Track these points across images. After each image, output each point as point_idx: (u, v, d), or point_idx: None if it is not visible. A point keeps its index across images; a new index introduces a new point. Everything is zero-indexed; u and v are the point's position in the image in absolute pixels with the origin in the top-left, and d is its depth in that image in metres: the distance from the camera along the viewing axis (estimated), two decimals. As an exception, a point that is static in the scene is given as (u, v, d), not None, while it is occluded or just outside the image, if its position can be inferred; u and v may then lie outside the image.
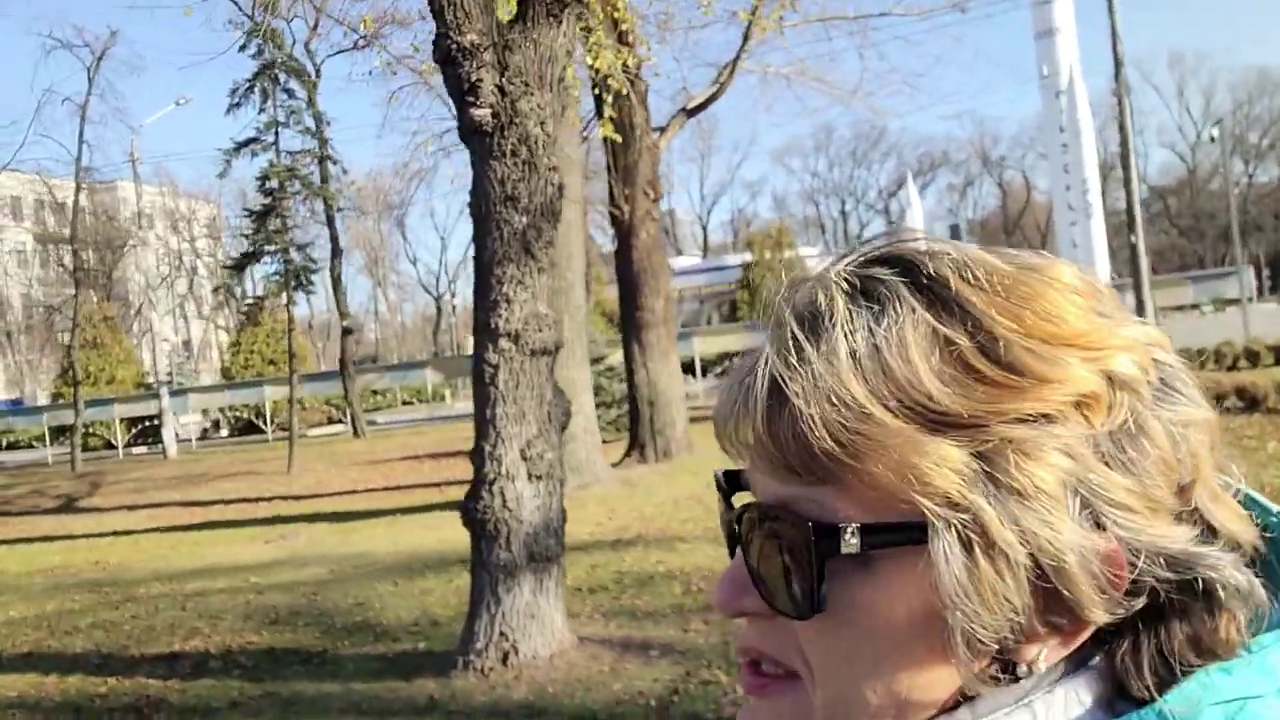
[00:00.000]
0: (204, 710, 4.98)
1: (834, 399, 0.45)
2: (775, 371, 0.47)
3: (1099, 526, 0.45)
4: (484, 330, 4.89)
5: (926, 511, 0.45)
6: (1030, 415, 0.45)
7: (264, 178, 19.37)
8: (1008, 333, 0.45)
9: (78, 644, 6.63)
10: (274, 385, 29.80)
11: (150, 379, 37.52)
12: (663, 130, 13.57)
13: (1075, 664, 0.49)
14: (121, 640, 6.58)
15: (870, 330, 0.46)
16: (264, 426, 29.27)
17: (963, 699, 0.48)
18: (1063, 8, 17.48)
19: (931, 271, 0.47)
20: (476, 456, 4.94)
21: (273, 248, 19.21)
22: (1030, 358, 0.45)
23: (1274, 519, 0.51)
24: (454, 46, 4.80)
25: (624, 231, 13.02)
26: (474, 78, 4.80)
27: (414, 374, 30.77)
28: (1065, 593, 0.45)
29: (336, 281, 26.04)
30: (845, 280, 0.48)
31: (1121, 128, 17.80)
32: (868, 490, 0.46)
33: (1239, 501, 0.51)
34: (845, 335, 0.46)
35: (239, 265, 19.95)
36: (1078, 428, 0.45)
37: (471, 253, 5.24)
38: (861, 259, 0.50)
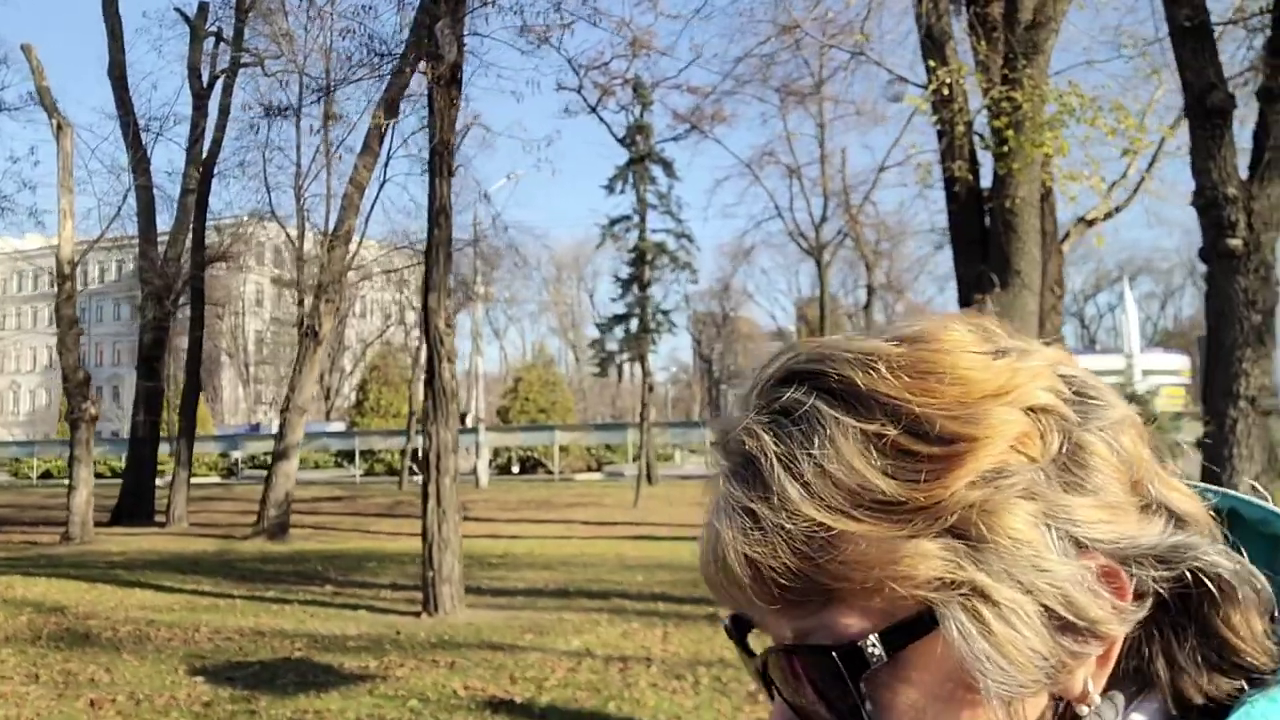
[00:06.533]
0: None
1: (801, 538, 0.47)
2: (738, 546, 0.48)
3: (1081, 549, 0.48)
4: (1225, 394, 6.96)
5: (927, 600, 0.46)
6: (976, 476, 0.46)
7: (637, 251, 22.36)
8: (926, 409, 0.47)
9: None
10: (564, 430, 33.07)
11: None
12: (1066, 236, 15.60)
13: (1131, 691, 0.51)
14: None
15: (808, 454, 0.47)
16: (551, 467, 32.46)
17: None
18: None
19: (839, 376, 0.49)
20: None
21: (640, 311, 22.09)
22: (956, 424, 0.47)
23: (1259, 508, 0.55)
24: (1219, 195, 6.98)
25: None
26: (1232, 218, 6.96)
27: (693, 432, 33.40)
28: (1080, 622, 0.47)
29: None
30: (764, 415, 0.50)
31: None
32: (868, 598, 0.47)
33: (1263, 517, 0.55)
34: (786, 470, 0.47)
35: (612, 324, 22.99)
36: (1025, 468, 0.47)
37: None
38: (768, 385, 0.51)
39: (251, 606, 9.19)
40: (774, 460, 0.48)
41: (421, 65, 9.55)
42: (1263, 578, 0.51)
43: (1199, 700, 0.50)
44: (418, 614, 8.54)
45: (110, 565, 12.40)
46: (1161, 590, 0.49)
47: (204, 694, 5.83)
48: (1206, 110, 7.05)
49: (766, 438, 0.49)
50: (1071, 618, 0.47)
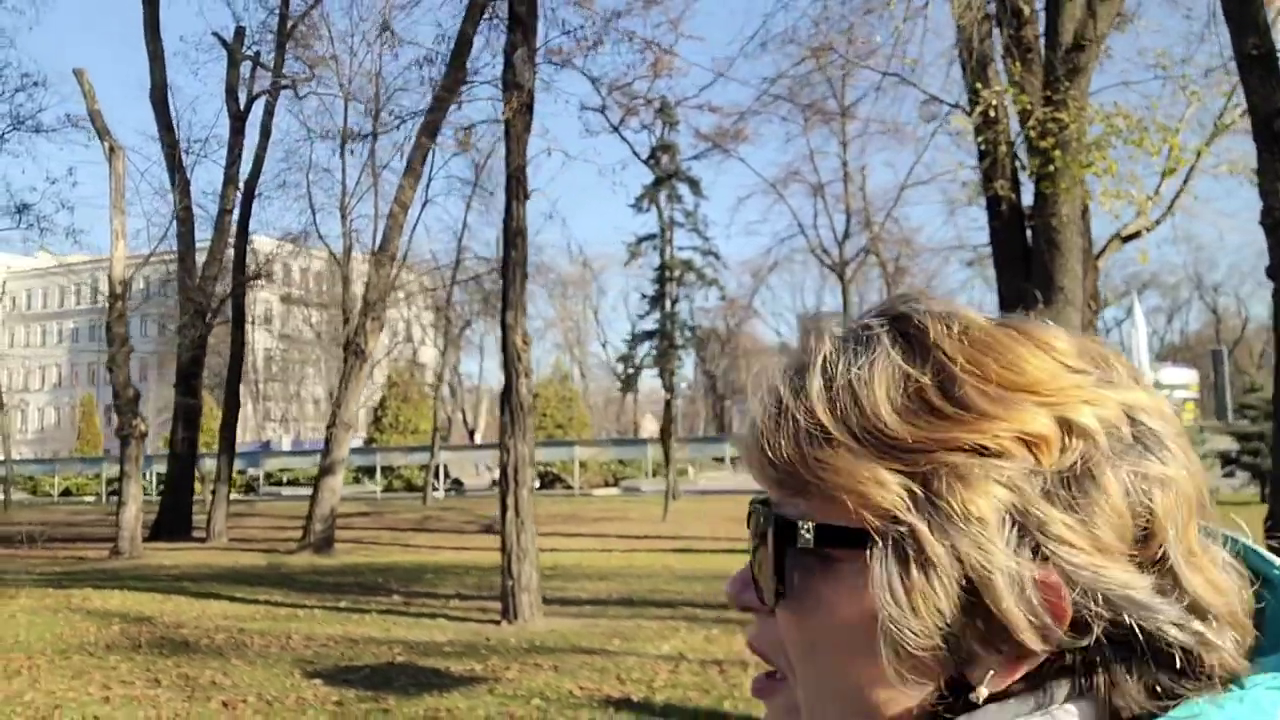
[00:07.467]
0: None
1: (803, 432, 0.53)
2: (757, 416, 0.56)
3: (1041, 557, 0.48)
4: (1294, 404, 7.21)
5: (867, 524, 0.50)
6: (969, 446, 0.49)
7: (663, 268, 22.67)
8: (967, 375, 0.51)
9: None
10: (583, 446, 33.32)
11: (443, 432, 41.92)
12: (1102, 251, 15.90)
13: (1051, 695, 0.50)
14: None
15: (846, 370, 0.53)
16: (571, 482, 32.69)
17: None
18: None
19: (919, 322, 0.54)
20: (1281, 493, 7.22)
21: (667, 327, 22.37)
22: (981, 397, 0.50)
23: (1276, 572, 0.53)
24: (1285, 217, 7.26)
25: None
26: (1300, 240, 7.24)
27: (710, 447, 33.65)
28: (994, 610, 0.48)
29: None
30: (840, 329, 0.56)
31: None
32: (830, 503, 0.52)
33: (1237, 553, 0.53)
34: (821, 373, 0.53)
35: (639, 340, 23.27)
36: (1023, 464, 0.49)
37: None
38: (869, 312, 0.57)
39: (330, 616, 9.42)
40: (820, 364, 0.54)
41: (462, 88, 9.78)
42: (1245, 664, 0.50)
43: (1127, 715, 0.49)
44: (497, 622, 8.77)
45: (173, 578, 12.63)
46: (1099, 630, 0.48)
47: (330, 694, 6.07)
48: (1274, 134, 7.34)
49: (828, 346, 0.55)
50: (987, 602, 0.48)
